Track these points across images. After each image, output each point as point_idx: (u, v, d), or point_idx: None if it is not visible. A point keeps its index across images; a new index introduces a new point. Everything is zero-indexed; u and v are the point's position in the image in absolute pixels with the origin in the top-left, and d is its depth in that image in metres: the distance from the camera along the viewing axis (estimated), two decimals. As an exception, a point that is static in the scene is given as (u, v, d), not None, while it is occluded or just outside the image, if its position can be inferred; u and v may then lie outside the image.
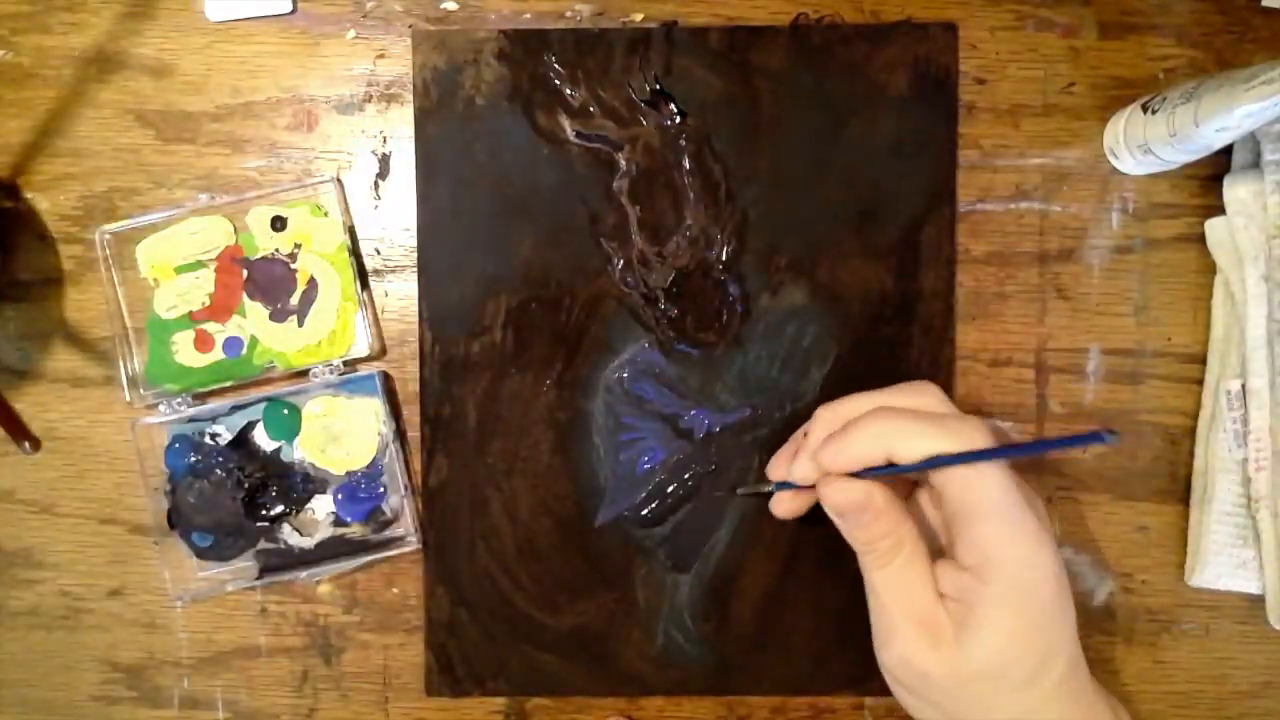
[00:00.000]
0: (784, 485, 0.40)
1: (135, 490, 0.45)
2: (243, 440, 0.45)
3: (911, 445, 0.35)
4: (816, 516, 0.39)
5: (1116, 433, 0.31)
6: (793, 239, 0.44)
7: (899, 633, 0.36)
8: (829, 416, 0.38)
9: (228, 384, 0.44)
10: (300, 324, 0.44)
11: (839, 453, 0.36)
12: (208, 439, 0.45)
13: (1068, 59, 0.44)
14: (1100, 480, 0.45)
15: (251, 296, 0.44)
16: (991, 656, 0.35)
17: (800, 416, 0.44)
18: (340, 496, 0.45)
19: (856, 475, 0.36)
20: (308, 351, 0.44)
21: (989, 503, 0.34)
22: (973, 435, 0.34)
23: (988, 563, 0.34)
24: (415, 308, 0.45)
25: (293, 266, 0.44)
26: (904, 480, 0.39)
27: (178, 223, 0.44)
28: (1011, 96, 0.44)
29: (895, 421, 0.35)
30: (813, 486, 0.38)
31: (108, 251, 0.44)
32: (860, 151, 0.44)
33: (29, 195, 0.45)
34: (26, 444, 0.43)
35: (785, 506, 0.40)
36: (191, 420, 0.45)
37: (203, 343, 0.44)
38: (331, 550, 0.45)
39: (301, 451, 0.45)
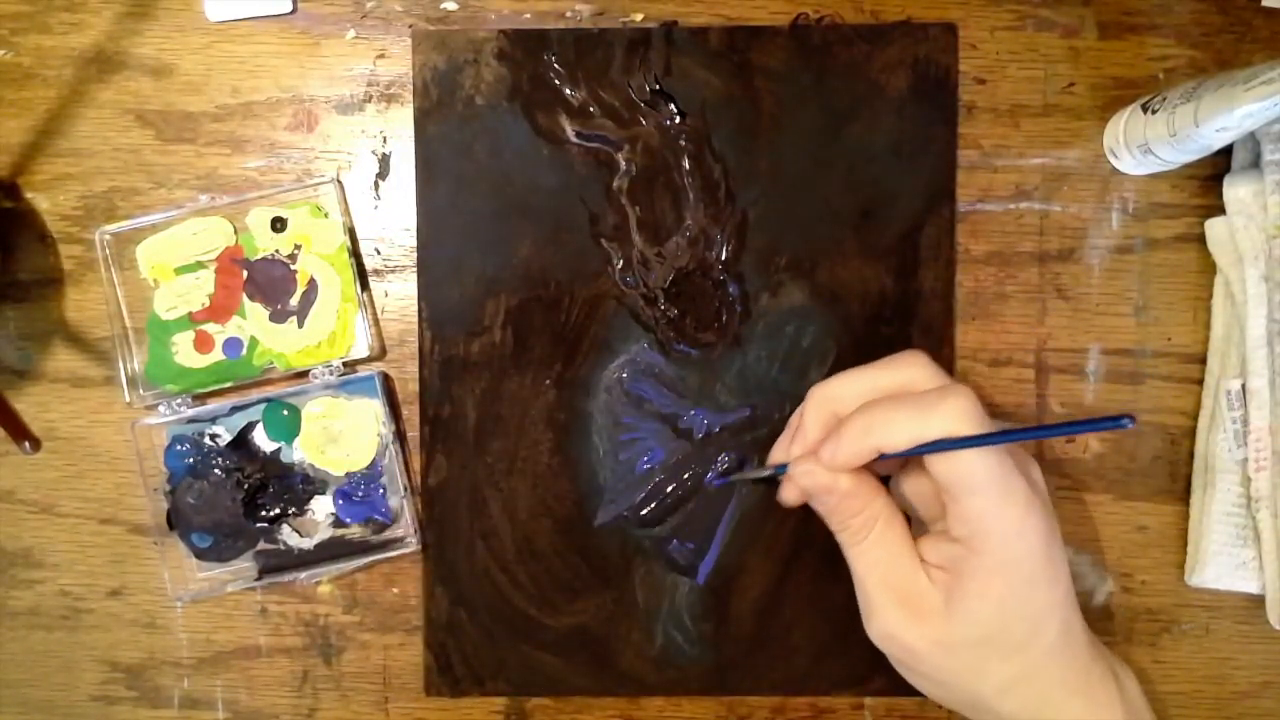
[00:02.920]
0: (784, 468, 0.40)
1: (135, 490, 0.45)
2: (242, 441, 0.45)
3: (894, 434, 0.35)
4: (815, 515, 0.39)
5: (1134, 417, 0.30)
6: (793, 239, 0.44)
7: (878, 608, 0.37)
8: (820, 397, 0.38)
9: (227, 385, 0.44)
10: (300, 325, 0.44)
11: (834, 455, 0.36)
12: (207, 440, 0.45)
13: (1068, 59, 0.44)
14: (1100, 480, 0.45)
15: (251, 297, 0.44)
16: (981, 624, 0.35)
17: (800, 417, 0.44)
18: (340, 498, 0.45)
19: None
20: (307, 352, 0.44)
21: (974, 476, 0.34)
22: (952, 412, 0.34)
23: (976, 535, 0.34)
24: (415, 308, 0.45)
25: (293, 267, 0.44)
26: None
27: (178, 223, 0.44)
28: (1011, 96, 0.44)
29: (876, 414, 0.35)
30: None
31: (108, 252, 0.44)
32: (860, 151, 0.44)
33: (29, 195, 0.45)
34: (26, 444, 0.43)
35: (793, 493, 0.39)
36: (191, 421, 0.45)
37: (202, 343, 0.44)
38: (331, 551, 0.45)
39: (301, 452, 0.45)
